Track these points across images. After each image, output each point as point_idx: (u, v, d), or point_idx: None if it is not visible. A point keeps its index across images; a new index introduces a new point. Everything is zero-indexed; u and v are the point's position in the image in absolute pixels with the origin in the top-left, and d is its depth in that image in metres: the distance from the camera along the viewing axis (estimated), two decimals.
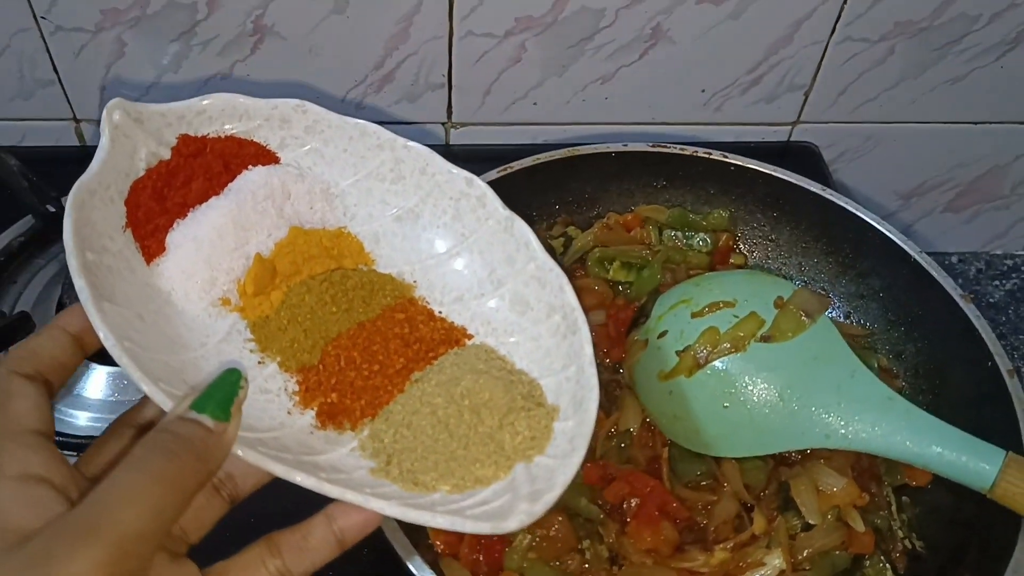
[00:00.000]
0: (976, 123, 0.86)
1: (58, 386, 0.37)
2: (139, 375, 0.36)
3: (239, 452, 0.36)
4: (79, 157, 0.83)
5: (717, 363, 0.56)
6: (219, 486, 0.39)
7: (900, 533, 0.57)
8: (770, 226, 0.70)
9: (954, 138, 0.88)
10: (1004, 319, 0.93)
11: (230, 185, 0.47)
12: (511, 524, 0.36)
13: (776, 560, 0.53)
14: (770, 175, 0.67)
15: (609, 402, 0.61)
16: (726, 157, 0.68)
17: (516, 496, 0.37)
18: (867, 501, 0.55)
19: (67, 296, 0.70)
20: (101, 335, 0.37)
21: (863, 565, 0.55)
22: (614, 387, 0.62)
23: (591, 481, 0.56)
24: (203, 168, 0.48)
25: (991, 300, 0.95)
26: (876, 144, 0.88)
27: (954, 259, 0.98)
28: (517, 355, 0.45)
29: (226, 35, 0.74)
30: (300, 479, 0.36)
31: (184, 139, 0.48)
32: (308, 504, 0.38)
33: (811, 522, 0.55)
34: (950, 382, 0.60)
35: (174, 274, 0.44)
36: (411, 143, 0.50)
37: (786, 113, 0.84)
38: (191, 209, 0.46)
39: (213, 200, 0.46)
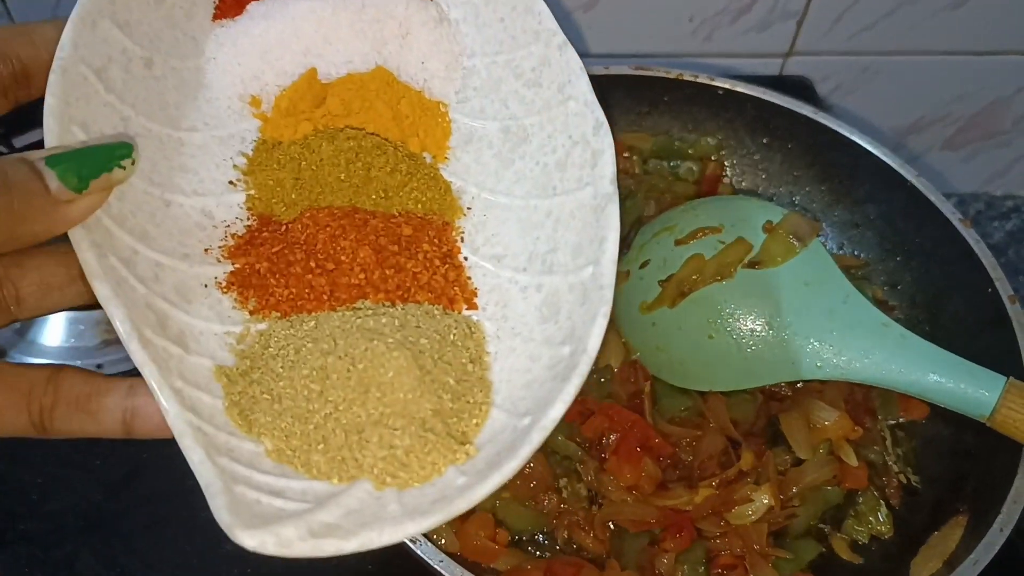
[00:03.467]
0: (977, 54, 0.82)
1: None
2: (56, 103, 0.29)
3: (74, 239, 0.28)
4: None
5: (702, 291, 0.53)
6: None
7: (895, 467, 0.54)
8: (760, 153, 0.66)
9: (953, 70, 0.84)
10: (1004, 260, 0.90)
11: None
12: (246, 540, 0.26)
13: (764, 497, 0.50)
14: (760, 99, 0.63)
15: None
16: (713, 80, 0.64)
17: (311, 514, 0.27)
18: (860, 434, 0.52)
19: None
20: (65, 38, 0.30)
21: (856, 500, 0.52)
22: None
23: (569, 417, 0.52)
24: None
25: (991, 241, 0.92)
26: (873, 76, 0.84)
27: (953, 200, 0.94)
28: (500, 363, 0.34)
29: None
30: (118, 321, 0.28)
31: None
32: None
33: (801, 457, 0.52)
34: (948, 311, 0.57)
35: (227, 46, 0.37)
36: (569, 46, 0.39)
37: (779, 43, 0.80)
38: None
39: None
